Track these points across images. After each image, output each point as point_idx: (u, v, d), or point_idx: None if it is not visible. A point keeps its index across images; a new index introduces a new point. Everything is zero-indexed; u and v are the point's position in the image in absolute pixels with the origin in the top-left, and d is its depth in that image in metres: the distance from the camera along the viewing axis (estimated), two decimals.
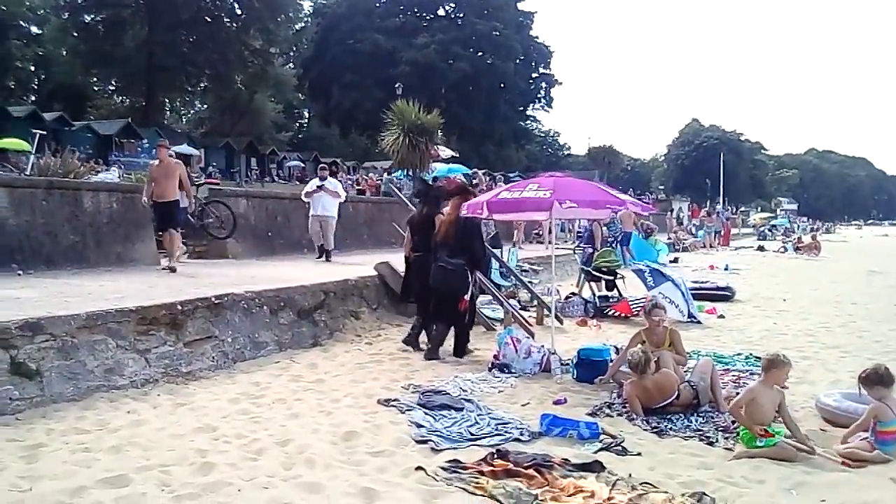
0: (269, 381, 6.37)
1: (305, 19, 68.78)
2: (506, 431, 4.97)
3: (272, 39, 54.56)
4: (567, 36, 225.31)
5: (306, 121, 72.53)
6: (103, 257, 10.24)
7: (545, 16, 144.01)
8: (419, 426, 5.04)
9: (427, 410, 5.42)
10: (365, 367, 7.06)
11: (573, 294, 11.78)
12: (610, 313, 10.72)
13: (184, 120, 62.76)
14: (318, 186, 12.95)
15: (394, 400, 5.74)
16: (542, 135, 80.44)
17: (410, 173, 22.96)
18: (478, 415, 5.35)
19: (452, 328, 7.77)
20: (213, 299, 7.13)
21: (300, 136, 67.86)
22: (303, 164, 46.89)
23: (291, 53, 68.83)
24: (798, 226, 58.80)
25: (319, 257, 12.88)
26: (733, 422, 5.12)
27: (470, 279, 7.63)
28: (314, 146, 55.94)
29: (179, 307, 6.69)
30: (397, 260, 10.23)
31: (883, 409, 4.57)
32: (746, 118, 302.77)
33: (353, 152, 54.05)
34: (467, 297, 7.60)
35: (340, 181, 16.67)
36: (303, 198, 13.35)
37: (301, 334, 8.07)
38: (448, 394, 5.93)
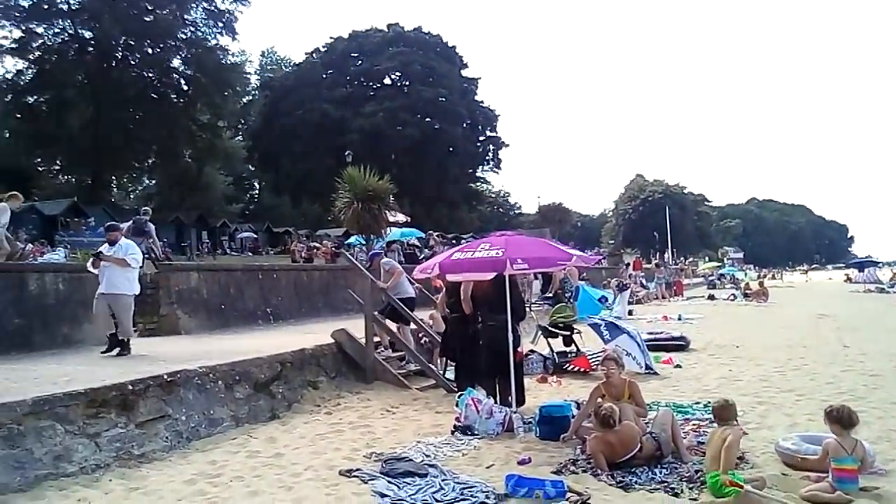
0: (226, 459, 6.19)
1: (253, 92, 69.46)
2: (471, 495, 4.90)
3: (220, 113, 54.88)
4: (512, 98, 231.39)
5: (257, 191, 72.47)
6: (50, 340, 9.97)
7: (489, 81, 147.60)
8: (383, 496, 4.94)
9: (390, 479, 5.32)
10: (325, 438, 6.92)
11: (532, 351, 11.80)
12: (569, 369, 10.77)
13: (132, 196, 62.08)
14: (94, 255, 9.29)
15: (356, 470, 5.61)
16: (493, 195, 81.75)
17: (365, 239, 23.04)
18: (442, 480, 5.27)
19: (500, 380, 7.85)
20: (165, 377, 6.94)
21: (252, 206, 67.71)
22: (255, 235, 46.64)
23: (240, 126, 69.17)
24: (746, 273, 60.15)
25: (107, 351, 9.04)
26: (697, 471, 5.15)
27: (518, 332, 7.84)
28: (266, 216, 55.77)
29: (130, 387, 6.50)
30: (354, 326, 10.17)
31: (834, 445, 4.72)
32: (688, 171, 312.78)
33: (306, 221, 53.98)
34: (521, 348, 7.89)
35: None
36: (89, 269, 9.40)
37: (258, 408, 7.87)
38: (411, 460, 5.83)
